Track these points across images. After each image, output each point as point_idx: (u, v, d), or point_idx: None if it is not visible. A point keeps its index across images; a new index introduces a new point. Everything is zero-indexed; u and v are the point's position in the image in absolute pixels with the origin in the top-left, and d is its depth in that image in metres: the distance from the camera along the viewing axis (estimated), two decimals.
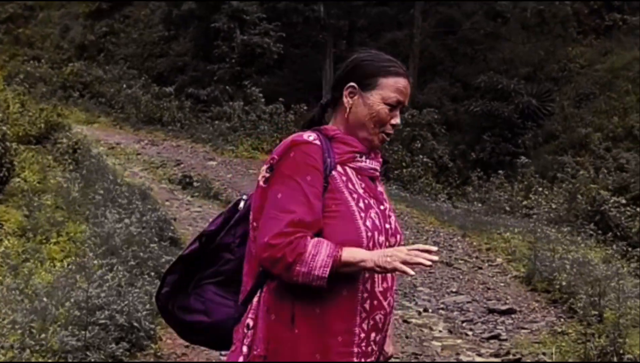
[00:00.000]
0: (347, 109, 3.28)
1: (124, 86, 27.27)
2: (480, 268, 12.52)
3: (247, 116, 24.36)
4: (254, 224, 3.17)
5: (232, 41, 28.11)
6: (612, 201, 14.80)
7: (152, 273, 9.92)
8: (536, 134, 30.85)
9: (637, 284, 11.55)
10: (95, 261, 9.20)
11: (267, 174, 3.17)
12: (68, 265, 9.09)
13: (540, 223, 14.33)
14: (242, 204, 3.36)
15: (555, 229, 13.97)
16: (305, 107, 25.04)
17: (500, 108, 30.35)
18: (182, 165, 19.60)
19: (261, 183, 3.18)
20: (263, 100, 24.96)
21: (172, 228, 12.20)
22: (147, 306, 8.53)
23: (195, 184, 17.25)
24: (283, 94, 27.34)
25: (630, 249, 13.79)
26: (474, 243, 13.73)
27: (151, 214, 11.98)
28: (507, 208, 16.24)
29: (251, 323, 3.17)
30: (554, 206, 15.98)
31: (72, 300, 7.94)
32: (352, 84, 3.30)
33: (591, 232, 14.08)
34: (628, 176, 27.93)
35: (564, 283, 10.56)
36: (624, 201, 15.23)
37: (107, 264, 9.19)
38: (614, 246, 13.52)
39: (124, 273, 9.12)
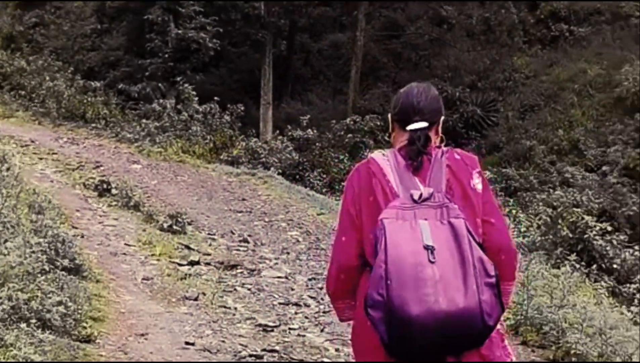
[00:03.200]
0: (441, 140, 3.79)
1: (47, 78, 23.85)
2: None
3: (179, 115, 21.26)
4: (492, 220, 3.55)
5: (166, 35, 25.01)
6: (597, 227, 12.09)
7: (34, 321, 6.92)
8: (479, 145, 28.41)
9: None
10: None
11: (479, 183, 3.58)
12: None
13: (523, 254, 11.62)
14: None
15: (544, 262, 11.22)
16: (242, 108, 22.11)
17: (445, 117, 27.79)
18: (102, 168, 16.49)
19: (478, 188, 3.55)
20: (196, 99, 21.89)
21: (73, 250, 9.16)
22: None
23: (113, 191, 14.12)
24: (218, 93, 24.38)
25: (619, 286, 11.15)
26: None
27: (46, 234, 8.96)
28: None
29: None
30: (523, 229, 13.26)
31: None
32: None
33: (573, 264, 11.37)
34: (575, 191, 25.72)
35: (574, 342, 7.80)
36: (609, 228, 12.49)
37: None
38: (603, 283, 10.82)
39: None
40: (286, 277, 10.60)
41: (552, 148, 27.58)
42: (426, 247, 3.25)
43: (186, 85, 22.23)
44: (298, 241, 12.51)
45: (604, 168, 26.61)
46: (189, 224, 13.00)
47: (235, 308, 9.15)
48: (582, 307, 8.66)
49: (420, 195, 3.40)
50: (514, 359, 3.63)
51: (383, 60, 31.62)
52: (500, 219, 3.61)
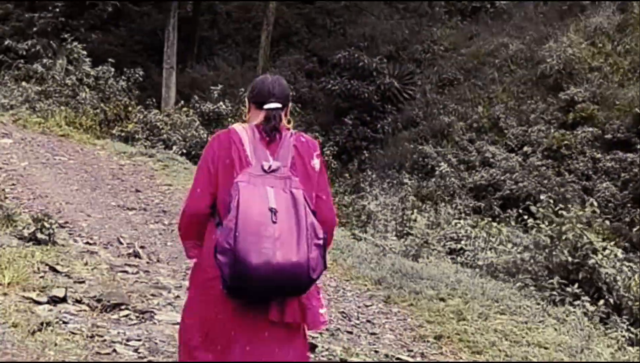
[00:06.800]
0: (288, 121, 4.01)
1: None
2: None
3: (66, 78, 16.94)
4: (323, 196, 3.91)
5: None
6: (606, 251, 8.56)
7: None
8: (395, 119, 25.11)
9: None
10: None
11: (317, 164, 3.89)
12: None
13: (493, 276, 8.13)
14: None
15: (537, 297, 7.70)
16: (141, 72, 18.08)
17: (361, 88, 24.37)
18: None
19: (316, 168, 3.87)
20: (88, 60, 17.65)
21: None
22: None
23: None
24: (117, 55, 20.43)
25: (636, 331, 7.76)
26: (410, 321, 7.33)
27: None
28: (427, 241, 9.78)
29: None
30: (494, 243, 9.72)
31: None
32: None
33: (573, 298, 7.93)
34: (497, 173, 22.70)
35: None
36: (619, 253, 8.94)
37: None
38: (621, 331, 7.42)
39: None
40: None
41: (471, 125, 24.60)
42: (270, 209, 3.61)
43: (75, 43, 17.97)
44: None
45: (525, 148, 23.73)
46: (62, 226, 9.14)
47: None
48: None
49: (270, 166, 3.73)
50: (325, 308, 3.95)
51: (296, 26, 27.95)
52: (329, 196, 3.96)
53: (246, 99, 4.08)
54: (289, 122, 3.99)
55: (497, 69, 25.68)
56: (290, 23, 27.81)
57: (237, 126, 3.91)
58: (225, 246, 3.58)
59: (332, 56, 25.26)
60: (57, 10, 20.49)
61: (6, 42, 21.48)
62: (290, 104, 4.05)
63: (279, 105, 3.90)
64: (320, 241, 3.65)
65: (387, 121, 25.03)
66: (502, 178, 22.02)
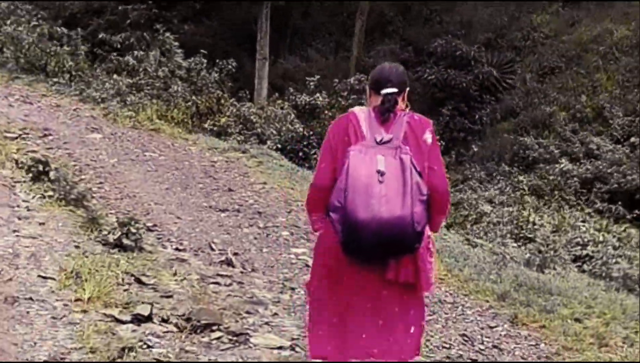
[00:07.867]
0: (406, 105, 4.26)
1: (8, 22, 18.57)
2: None
3: (158, 70, 16.17)
4: (434, 167, 4.07)
5: None
6: None
7: None
8: (494, 110, 23.80)
9: None
10: None
11: (429, 138, 4.09)
12: None
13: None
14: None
15: None
16: (234, 63, 17.24)
17: (458, 77, 23.12)
18: (50, 137, 11.61)
19: (428, 142, 4.07)
20: (180, 51, 16.85)
21: None
22: None
23: (52, 175, 9.30)
24: (210, 46, 19.64)
25: None
26: (544, 347, 6.19)
27: None
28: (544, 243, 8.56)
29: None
30: (625, 249, 8.48)
31: None
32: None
33: None
34: (603, 165, 21.18)
35: None
36: None
37: None
38: None
39: None
40: (291, 347, 5.87)
41: (574, 115, 23.09)
42: (378, 171, 3.90)
43: (167, 34, 17.18)
44: (307, 265, 7.73)
45: (632, 139, 22.11)
46: (150, 230, 8.28)
47: None
48: None
49: (382, 139, 4.01)
50: (435, 272, 4.14)
51: (390, 14, 26.78)
52: (440, 167, 4.11)
53: (367, 87, 4.40)
54: (406, 106, 4.28)
55: (601, 57, 24.11)
56: (385, 12, 26.68)
57: (356, 108, 4.26)
58: (336, 204, 3.91)
59: (428, 44, 24.11)
60: (151, 1, 19.82)
61: (100, 35, 20.98)
62: (407, 89, 4.30)
63: (395, 90, 4.16)
64: (424, 197, 3.88)
65: (485, 112, 23.77)
66: (609, 170, 20.52)
